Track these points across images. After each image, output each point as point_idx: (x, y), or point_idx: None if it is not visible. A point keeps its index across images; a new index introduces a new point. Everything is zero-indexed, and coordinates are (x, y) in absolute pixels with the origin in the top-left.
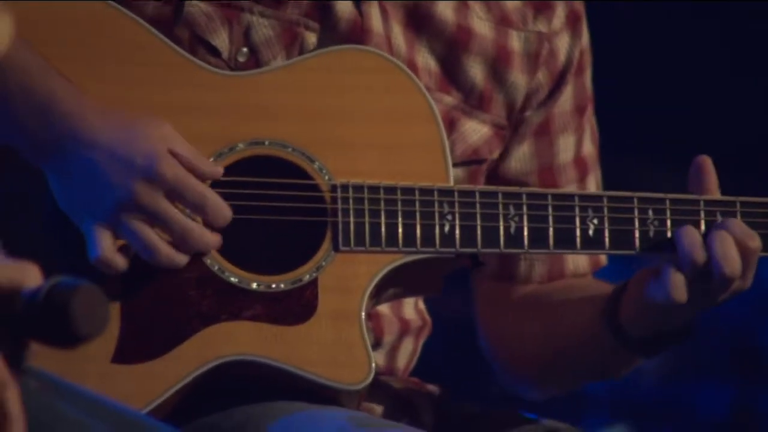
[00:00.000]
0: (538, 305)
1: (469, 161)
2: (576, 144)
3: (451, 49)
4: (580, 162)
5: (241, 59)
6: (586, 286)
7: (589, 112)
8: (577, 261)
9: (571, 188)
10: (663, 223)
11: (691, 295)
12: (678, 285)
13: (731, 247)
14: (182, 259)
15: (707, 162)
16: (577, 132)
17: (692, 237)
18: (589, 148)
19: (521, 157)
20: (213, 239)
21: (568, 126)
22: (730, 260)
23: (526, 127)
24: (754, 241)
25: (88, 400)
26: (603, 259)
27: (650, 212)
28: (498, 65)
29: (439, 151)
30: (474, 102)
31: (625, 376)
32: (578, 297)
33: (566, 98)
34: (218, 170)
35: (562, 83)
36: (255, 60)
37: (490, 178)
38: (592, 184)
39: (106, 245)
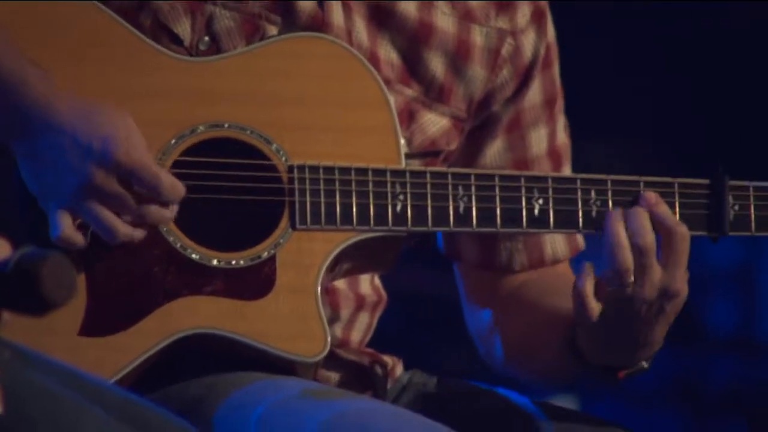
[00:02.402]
0: (517, 300)
1: (427, 152)
2: (549, 136)
3: (412, 44)
4: (553, 153)
5: (202, 48)
6: (561, 289)
7: (560, 104)
8: (556, 246)
9: None
10: (605, 203)
11: (622, 303)
12: (587, 294)
13: (645, 220)
14: (140, 234)
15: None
16: (549, 124)
17: (616, 219)
18: (563, 139)
19: (495, 153)
20: (170, 213)
21: (539, 119)
22: (644, 232)
23: (497, 124)
24: (644, 237)
25: (59, 370)
26: (581, 242)
27: (593, 192)
28: (458, 59)
29: (391, 135)
30: (434, 95)
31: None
32: (552, 304)
33: (535, 92)
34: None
35: (530, 79)
36: (216, 49)
37: None
38: (567, 173)
39: (66, 225)
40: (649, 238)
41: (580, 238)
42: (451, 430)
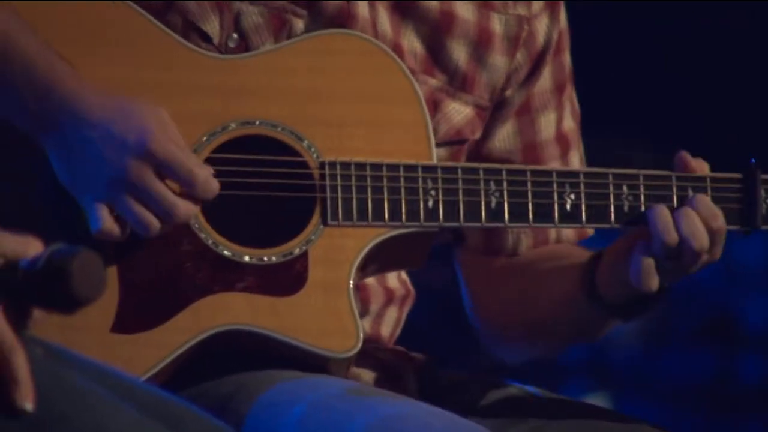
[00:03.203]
0: (521, 270)
1: (452, 141)
2: (557, 121)
3: (435, 33)
4: (561, 138)
5: (231, 45)
6: (566, 254)
7: (569, 89)
8: (561, 232)
9: (554, 164)
10: (637, 198)
11: (662, 270)
12: (649, 272)
13: (698, 224)
14: (171, 230)
15: (684, 157)
16: (558, 110)
17: (664, 218)
18: (570, 125)
19: (504, 136)
20: (193, 210)
21: (548, 104)
22: (698, 236)
23: (508, 108)
24: (717, 221)
25: (91, 368)
26: (588, 229)
27: (624, 188)
28: (480, 47)
29: (423, 131)
30: (457, 84)
31: (600, 338)
32: (558, 263)
33: (546, 78)
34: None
35: (542, 63)
36: (245, 46)
37: (476, 159)
38: (575, 159)
39: (106, 218)
40: (720, 221)
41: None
42: None
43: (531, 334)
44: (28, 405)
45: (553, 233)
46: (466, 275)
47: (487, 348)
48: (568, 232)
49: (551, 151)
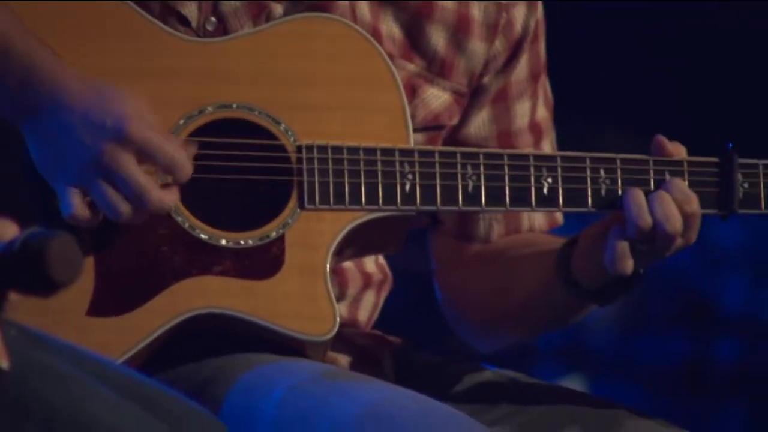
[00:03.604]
0: (494, 258)
1: (430, 127)
2: (531, 109)
3: (414, 18)
4: (534, 126)
5: (209, 28)
6: (540, 241)
7: (543, 78)
8: (533, 220)
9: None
10: (614, 181)
11: (637, 254)
12: (623, 255)
13: (672, 208)
14: (141, 218)
15: (661, 140)
16: (532, 98)
17: (638, 201)
18: (543, 113)
19: (480, 123)
20: (171, 200)
21: (524, 92)
22: (672, 220)
23: (485, 95)
24: (691, 205)
25: (66, 351)
26: (559, 218)
27: (602, 171)
28: (459, 33)
29: (400, 116)
30: (436, 69)
31: (574, 323)
32: (532, 250)
33: (522, 66)
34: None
35: (519, 51)
36: (223, 29)
37: (451, 145)
38: (547, 148)
39: (77, 202)
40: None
41: (559, 214)
42: (474, 422)
43: (504, 322)
44: (4, 363)
45: (525, 222)
46: (439, 263)
47: (460, 336)
48: (540, 221)
49: (525, 139)
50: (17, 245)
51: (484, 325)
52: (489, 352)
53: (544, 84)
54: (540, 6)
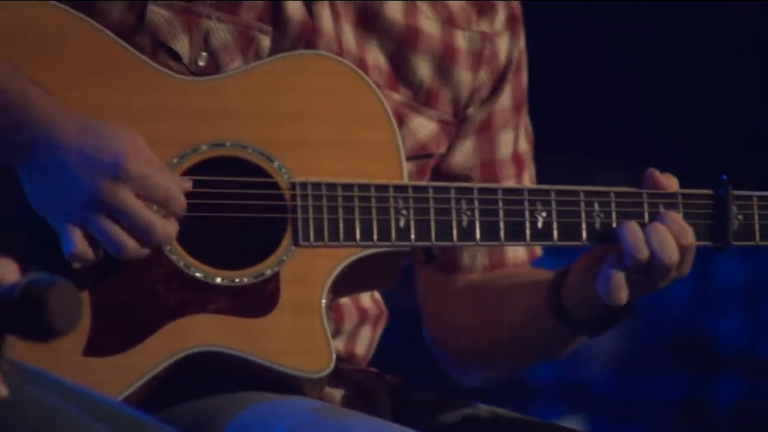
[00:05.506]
0: (482, 289)
1: (418, 156)
2: (513, 141)
3: (399, 48)
4: (517, 158)
5: (201, 63)
6: (528, 273)
7: (524, 110)
8: (516, 251)
9: (510, 183)
10: (608, 215)
11: (631, 284)
12: (619, 285)
13: (669, 240)
14: (146, 251)
15: (653, 173)
16: (515, 130)
17: (635, 234)
18: (524, 146)
19: (464, 153)
20: (174, 231)
21: (507, 123)
22: (669, 252)
23: (469, 124)
24: (687, 238)
25: (63, 389)
26: (538, 250)
27: (596, 205)
28: (444, 63)
29: (394, 151)
30: (422, 99)
31: (563, 356)
32: (521, 281)
33: (506, 96)
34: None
35: (503, 82)
36: (214, 64)
37: (435, 175)
38: (527, 181)
39: (79, 240)
40: (690, 237)
41: (537, 246)
42: None
43: (493, 354)
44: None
45: (509, 253)
46: (426, 296)
47: (447, 369)
48: (521, 252)
49: (508, 170)
50: (18, 292)
51: (472, 357)
52: (475, 386)
53: (525, 117)
54: (522, 35)
